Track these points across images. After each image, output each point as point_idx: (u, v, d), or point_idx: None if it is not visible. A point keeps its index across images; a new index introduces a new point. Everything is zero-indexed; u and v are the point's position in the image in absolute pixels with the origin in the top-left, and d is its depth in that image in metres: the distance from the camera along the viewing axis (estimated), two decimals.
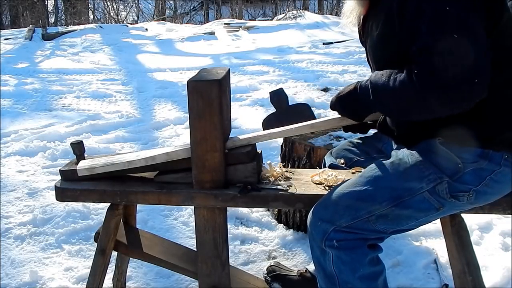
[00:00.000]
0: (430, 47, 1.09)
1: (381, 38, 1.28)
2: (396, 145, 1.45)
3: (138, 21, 15.63)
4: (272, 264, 1.82)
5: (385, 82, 1.20)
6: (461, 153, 1.22)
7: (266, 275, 1.77)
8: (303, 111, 1.96)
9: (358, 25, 1.48)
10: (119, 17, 16.73)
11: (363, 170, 1.46)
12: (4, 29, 11.42)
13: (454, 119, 1.17)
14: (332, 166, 1.63)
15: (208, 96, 1.32)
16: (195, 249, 1.54)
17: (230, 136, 1.48)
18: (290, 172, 1.56)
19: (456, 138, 1.22)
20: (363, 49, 1.46)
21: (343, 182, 1.36)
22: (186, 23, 14.28)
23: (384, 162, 1.31)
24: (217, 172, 1.40)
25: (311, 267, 1.70)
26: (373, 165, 1.33)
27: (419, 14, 1.13)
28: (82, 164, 1.51)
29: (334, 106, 1.41)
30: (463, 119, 1.19)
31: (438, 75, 1.08)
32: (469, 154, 1.22)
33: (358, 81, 1.34)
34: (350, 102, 1.35)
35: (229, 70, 1.48)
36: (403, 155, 1.30)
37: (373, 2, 1.33)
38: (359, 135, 1.63)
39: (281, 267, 1.80)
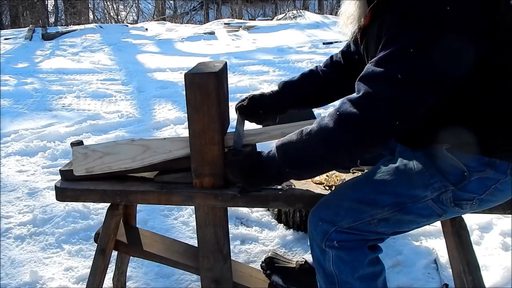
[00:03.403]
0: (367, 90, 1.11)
1: None
2: (399, 147, 1.41)
3: (138, 21, 15.63)
4: (270, 255, 1.77)
5: (298, 139, 1.19)
6: (468, 160, 1.20)
7: (264, 267, 1.73)
8: (303, 111, 1.95)
9: (355, 37, 1.40)
10: (119, 17, 16.74)
11: (365, 170, 1.46)
12: (4, 29, 11.43)
13: (462, 126, 1.17)
14: None
15: (206, 89, 1.32)
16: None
17: (228, 131, 1.48)
18: None
19: (463, 145, 1.20)
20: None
21: (345, 181, 1.35)
22: (186, 23, 14.29)
23: (388, 165, 1.29)
24: (216, 165, 1.39)
25: (309, 258, 1.68)
26: (377, 167, 1.31)
27: (384, 45, 1.12)
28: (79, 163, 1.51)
29: (231, 173, 1.33)
30: (471, 127, 1.18)
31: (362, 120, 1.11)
32: (475, 162, 1.20)
33: (258, 152, 1.30)
34: (251, 174, 1.28)
35: (226, 63, 1.48)
36: (408, 159, 1.28)
37: (375, 14, 1.23)
38: None
39: (279, 258, 1.77)
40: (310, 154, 1.19)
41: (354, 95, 1.14)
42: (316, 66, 1.64)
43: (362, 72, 1.15)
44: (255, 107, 1.59)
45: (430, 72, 1.08)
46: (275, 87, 1.64)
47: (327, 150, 1.17)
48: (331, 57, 1.63)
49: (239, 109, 1.60)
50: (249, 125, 1.55)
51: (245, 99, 1.61)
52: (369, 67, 1.14)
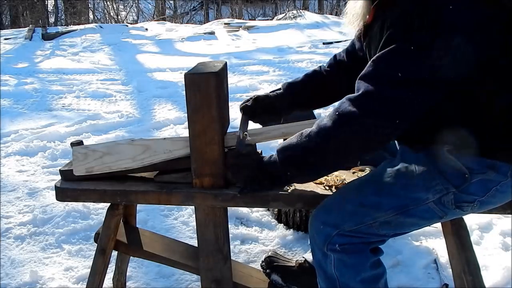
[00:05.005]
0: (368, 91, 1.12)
1: None
2: (400, 148, 1.40)
3: (138, 21, 15.63)
4: (269, 254, 1.77)
5: (303, 141, 1.20)
6: (469, 162, 1.19)
7: (264, 266, 1.74)
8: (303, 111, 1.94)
9: (359, 34, 1.39)
10: (119, 17, 16.74)
11: (366, 170, 1.45)
12: (4, 29, 11.42)
13: (463, 128, 1.16)
14: None
15: (206, 89, 1.32)
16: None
17: (229, 131, 1.48)
18: None
19: (464, 146, 1.19)
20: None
21: (346, 184, 1.35)
22: (186, 23, 14.28)
23: (390, 168, 1.28)
24: (216, 165, 1.39)
25: (309, 257, 1.68)
26: (378, 170, 1.31)
27: (386, 43, 1.12)
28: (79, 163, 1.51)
29: (233, 176, 1.35)
30: (473, 128, 1.17)
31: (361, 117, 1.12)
32: (477, 164, 1.19)
33: (260, 156, 1.31)
34: (253, 178, 1.29)
35: (226, 63, 1.48)
36: (410, 162, 1.27)
37: (378, 11, 1.22)
38: None
39: (279, 257, 1.77)
40: (309, 156, 1.19)
41: (354, 94, 1.14)
42: (320, 66, 1.64)
43: (363, 71, 1.15)
44: (259, 108, 1.59)
45: (431, 72, 1.08)
46: (279, 89, 1.63)
47: (326, 151, 1.17)
48: (335, 56, 1.63)
49: (243, 109, 1.59)
50: (251, 125, 1.55)
51: (249, 99, 1.61)
52: (370, 65, 1.14)
